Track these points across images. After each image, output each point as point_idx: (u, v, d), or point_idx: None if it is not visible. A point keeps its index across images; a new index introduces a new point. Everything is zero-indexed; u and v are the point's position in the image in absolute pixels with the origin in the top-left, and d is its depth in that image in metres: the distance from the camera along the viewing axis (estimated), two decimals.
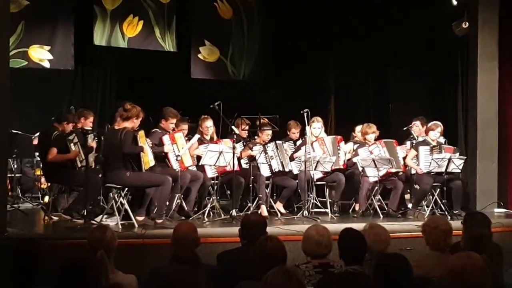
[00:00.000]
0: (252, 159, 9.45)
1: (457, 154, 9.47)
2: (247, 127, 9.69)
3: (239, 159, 9.27)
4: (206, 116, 9.37)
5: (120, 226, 7.53)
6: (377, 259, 4.03)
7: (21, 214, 8.94)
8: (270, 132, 9.61)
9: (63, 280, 3.60)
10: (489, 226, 5.40)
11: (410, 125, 10.38)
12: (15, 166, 10.48)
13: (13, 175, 10.30)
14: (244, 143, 9.52)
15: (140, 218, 8.03)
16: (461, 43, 10.79)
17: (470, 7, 10.30)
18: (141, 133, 7.97)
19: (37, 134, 10.30)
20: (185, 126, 9.18)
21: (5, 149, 7.47)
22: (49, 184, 9.38)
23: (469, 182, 10.11)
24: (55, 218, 8.31)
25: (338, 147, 9.77)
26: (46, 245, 5.55)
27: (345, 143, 10.01)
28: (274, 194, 9.80)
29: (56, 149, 8.19)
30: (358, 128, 10.27)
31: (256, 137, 9.77)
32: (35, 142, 9.77)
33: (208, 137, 9.33)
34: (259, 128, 9.56)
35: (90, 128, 8.90)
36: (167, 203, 8.27)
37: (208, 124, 9.32)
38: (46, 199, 9.40)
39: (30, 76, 11.64)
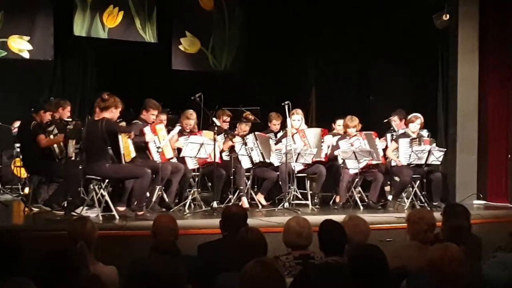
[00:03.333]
0: (233, 150, 9.44)
1: (434, 145, 9.51)
2: (228, 119, 9.67)
3: (221, 152, 9.25)
4: (191, 112, 9.22)
5: (101, 218, 7.50)
6: (352, 251, 4.06)
7: (1, 206, 8.89)
8: (248, 124, 9.63)
9: (42, 271, 3.58)
10: (468, 218, 5.45)
11: (390, 118, 10.41)
12: None
13: None
14: (225, 135, 9.50)
15: (121, 209, 7.99)
16: (442, 35, 10.83)
17: (450, 0, 10.34)
18: (122, 124, 7.93)
19: (16, 124, 10.26)
20: (163, 117, 9.14)
21: None
22: (29, 175, 9.33)
23: (449, 174, 10.19)
24: (35, 210, 8.26)
25: (322, 140, 9.79)
26: (26, 236, 5.51)
27: None
28: (255, 186, 9.82)
29: (43, 135, 8.16)
30: (339, 122, 10.29)
31: (236, 129, 9.78)
32: (15, 131, 9.71)
33: (188, 131, 9.30)
34: (241, 120, 9.55)
35: (70, 120, 8.81)
36: (148, 194, 8.25)
37: (190, 123, 9.21)
38: (26, 190, 9.33)
39: (9, 67, 11.56)
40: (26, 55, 11.67)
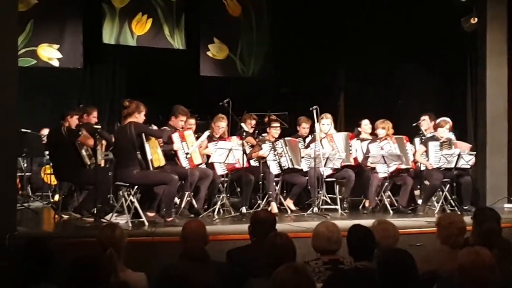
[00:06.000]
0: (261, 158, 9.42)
1: (473, 152, 9.44)
2: (254, 122, 9.69)
3: (248, 159, 9.24)
4: (222, 116, 9.30)
5: (130, 224, 7.54)
6: (381, 256, 4.04)
7: (32, 213, 8.98)
8: (278, 129, 9.61)
9: (73, 277, 3.62)
10: (498, 222, 5.39)
11: (419, 121, 10.34)
12: (25, 165, 10.52)
13: (23, 174, 10.35)
14: (256, 139, 9.50)
15: (151, 215, 8.01)
16: (470, 39, 10.75)
17: (478, 3, 10.28)
18: (153, 127, 8.00)
19: (43, 131, 10.35)
20: (192, 121, 9.19)
21: (15, 148, 7.48)
22: (58, 182, 9.40)
23: (479, 177, 10.09)
24: (65, 217, 8.33)
25: (350, 144, 9.76)
26: (56, 243, 5.57)
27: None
28: (284, 191, 9.80)
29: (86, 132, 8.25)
30: (365, 122, 10.24)
31: (264, 134, 9.77)
32: (44, 139, 9.80)
33: (217, 136, 9.33)
34: (268, 125, 9.55)
35: (99, 126, 8.79)
36: (177, 200, 8.28)
37: (222, 125, 9.29)
38: (56, 197, 9.43)
39: (39, 75, 11.65)
40: (55, 63, 11.77)
